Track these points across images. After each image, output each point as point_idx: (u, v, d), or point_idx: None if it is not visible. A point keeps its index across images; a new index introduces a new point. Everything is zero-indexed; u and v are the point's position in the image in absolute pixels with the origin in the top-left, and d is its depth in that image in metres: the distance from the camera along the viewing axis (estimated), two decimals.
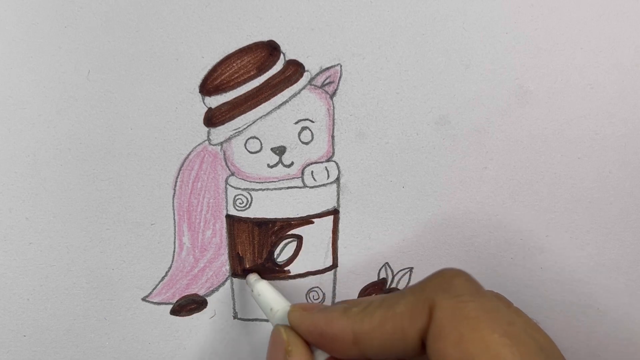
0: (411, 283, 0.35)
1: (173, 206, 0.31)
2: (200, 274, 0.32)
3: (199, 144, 0.30)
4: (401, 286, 0.35)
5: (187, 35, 0.29)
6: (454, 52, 0.30)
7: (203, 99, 0.30)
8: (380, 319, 0.23)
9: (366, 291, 0.34)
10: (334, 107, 0.31)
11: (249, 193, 0.31)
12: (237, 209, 0.31)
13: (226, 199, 0.31)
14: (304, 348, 0.25)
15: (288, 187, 0.32)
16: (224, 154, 0.31)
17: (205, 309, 0.32)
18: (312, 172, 0.32)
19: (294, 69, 0.30)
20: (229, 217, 0.32)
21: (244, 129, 0.31)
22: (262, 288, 0.30)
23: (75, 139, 0.30)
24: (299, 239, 0.32)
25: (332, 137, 0.31)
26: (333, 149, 0.31)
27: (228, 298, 0.33)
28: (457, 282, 0.22)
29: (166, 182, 0.31)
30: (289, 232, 0.32)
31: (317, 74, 0.30)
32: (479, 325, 0.21)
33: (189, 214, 0.31)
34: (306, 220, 0.32)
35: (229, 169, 0.31)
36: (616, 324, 0.36)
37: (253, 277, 0.31)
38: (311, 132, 0.31)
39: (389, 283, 0.35)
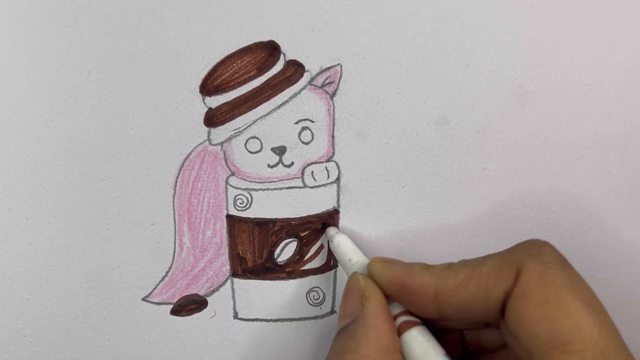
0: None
1: (173, 206, 0.31)
2: (200, 274, 0.32)
3: (199, 144, 0.30)
4: None
5: (187, 35, 0.29)
6: (454, 52, 0.30)
7: (203, 99, 0.30)
8: (464, 276, 0.23)
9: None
10: (334, 107, 0.31)
11: (249, 193, 0.31)
12: (237, 209, 0.31)
13: (226, 199, 0.31)
14: (381, 296, 0.25)
15: (288, 187, 0.32)
16: (224, 154, 0.31)
17: (205, 309, 0.32)
18: (312, 172, 0.32)
19: (294, 69, 0.30)
20: (229, 217, 0.32)
21: (244, 129, 0.31)
22: (342, 240, 0.30)
23: (75, 139, 0.30)
24: (299, 239, 0.32)
25: (332, 137, 0.31)
26: (333, 149, 0.31)
27: (228, 298, 0.33)
28: (545, 251, 0.23)
29: (166, 182, 0.31)
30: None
31: (317, 74, 0.30)
32: (564, 291, 0.21)
33: (189, 213, 0.31)
34: (307, 221, 0.32)
35: (229, 169, 0.31)
36: (616, 324, 0.36)
37: (333, 230, 0.31)
38: (311, 132, 0.31)
39: None
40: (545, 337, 0.21)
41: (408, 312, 0.25)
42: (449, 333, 0.26)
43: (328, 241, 0.31)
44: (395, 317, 0.25)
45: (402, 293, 0.24)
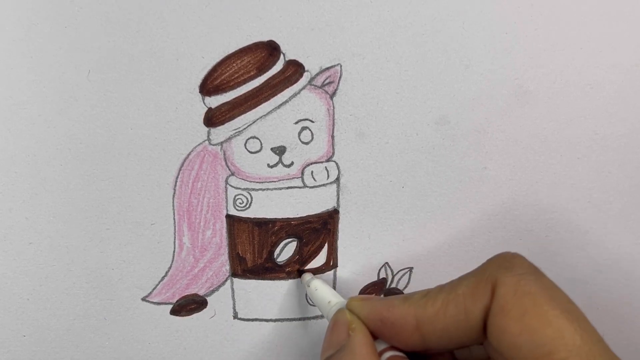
0: (410, 283, 0.35)
1: (173, 206, 0.31)
2: (200, 274, 0.32)
3: (199, 144, 0.30)
4: (401, 286, 0.35)
5: (187, 35, 0.29)
6: (454, 52, 0.30)
7: (203, 99, 0.30)
8: (442, 302, 0.23)
9: (366, 291, 0.34)
10: (334, 107, 0.31)
11: (249, 193, 0.31)
12: (237, 209, 0.31)
13: (226, 198, 0.31)
14: (366, 330, 0.25)
15: (288, 187, 0.32)
16: (224, 154, 0.31)
17: (205, 309, 0.32)
18: (312, 172, 0.32)
19: (294, 69, 0.30)
20: (229, 217, 0.32)
21: (244, 129, 0.31)
22: (319, 284, 0.31)
23: (75, 139, 0.30)
24: (299, 239, 0.33)
25: (332, 137, 0.31)
26: (333, 149, 0.31)
27: (228, 298, 0.33)
28: (517, 262, 0.23)
29: (166, 182, 0.31)
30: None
31: (317, 74, 0.30)
32: (541, 301, 0.21)
33: (189, 213, 0.31)
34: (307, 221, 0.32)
35: (229, 169, 0.31)
36: (616, 324, 0.36)
37: (308, 275, 0.32)
38: (311, 132, 0.31)
39: (388, 283, 0.35)
40: (528, 349, 0.21)
41: (393, 348, 0.25)
42: (439, 354, 0.26)
43: (305, 287, 0.32)
44: (380, 354, 0.25)
45: (383, 327, 0.24)
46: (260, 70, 0.30)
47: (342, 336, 0.25)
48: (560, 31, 0.30)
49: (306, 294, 0.33)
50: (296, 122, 0.31)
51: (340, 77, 0.30)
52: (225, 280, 0.32)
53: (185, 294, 0.32)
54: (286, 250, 0.33)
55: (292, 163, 0.31)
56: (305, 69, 0.30)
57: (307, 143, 0.31)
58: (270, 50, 0.30)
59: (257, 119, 0.31)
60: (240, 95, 0.30)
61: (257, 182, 0.31)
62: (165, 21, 0.29)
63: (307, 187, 0.32)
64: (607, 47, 0.31)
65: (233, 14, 0.29)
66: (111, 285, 0.31)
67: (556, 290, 0.22)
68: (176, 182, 0.31)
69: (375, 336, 0.25)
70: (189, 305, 0.32)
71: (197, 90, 0.30)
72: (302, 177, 0.32)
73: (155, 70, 0.30)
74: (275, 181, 0.31)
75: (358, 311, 0.25)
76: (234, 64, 0.30)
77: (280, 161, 0.31)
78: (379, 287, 0.35)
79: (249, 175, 0.31)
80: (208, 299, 0.32)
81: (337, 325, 0.25)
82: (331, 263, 0.34)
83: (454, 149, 0.32)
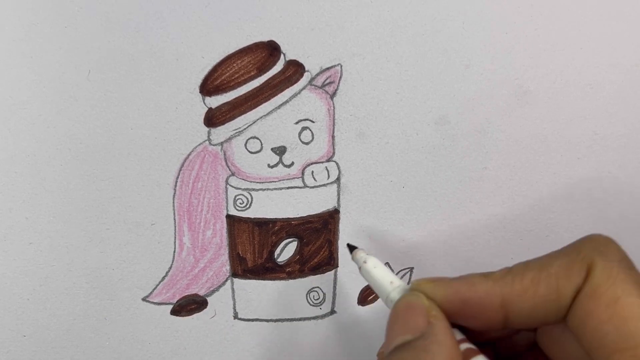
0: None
1: (173, 206, 0.31)
2: (200, 274, 0.32)
3: (199, 144, 0.30)
4: None
5: (187, 35, 0.29)
6: (454, 52, 0.30)
7: (203, 99, 0.30)
8: (532, 280, 0.22)
9: (366, 291, 0.34)
10: (334, 107, 0.31)
11: (249, 193, 0.31)
12: (237, 209, 0.31)
13: (226, 199, 0.31)
14: (445, 317, 0.23)
15: (288, 187, 0.32)
16: (224, 154, 0.31)
17: (205, 309, 0.32)
18: (312, 172, 0.32)
19: (294, 69, 0.30)
20: (229, 217, 0.32)
21: (244, 129, 0.31)
22: (377, 262, 0.28)
23: (75, 139, 0.30)
24: (300, 239, 0.33)
25: (333, 137, 0.31)
26: (333, 149, 0.31)
27: (228, 298, 0.33)
28: (613, 248, 0.22)
29: (166, 182, 0.31)
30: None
31: (318, 74, 0.30)
32: (635, 292, 0.20)
33: (189, 214, 0.31)
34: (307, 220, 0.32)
35: (229, 169, 0.31)
36: None
37: (362, 252, 0.29)
38: (311, 132, 0.31)
39: None
40: (614, 338, 0.20)
41: (467, 340, 0.24)
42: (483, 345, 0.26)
43: (358, 264, 0.29)
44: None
45: (464, 309, 0.23)
46: (261, 71, 0.30)
47: (420, 322, 0.23)
48: (560, 31, 0.30)
49: (307, 294, 0.33)
50: (296, 122, 0.31)
51: (340, 77, 0.30)
52: (226, 281, 0.32)
53: (186, 294, 0.32)
54: (287, 250, 0.33)
55: (293, 163, 0.31)
56: (306, 69, 0.30)
57: (307, 143, 0.31)
58: (271, 50, 0.30)
59: (258, 119, 0.31)
60: (241, 96, 0.30)
61: (257, 182, 0.31)
62: (165, 21, 0.29)
63: (308, 187, 0.32)
64: (607, 47, 0.31)
65: (233, 14, 0.29)
66: (111, 285, 0.31)
67: None
68: (176, 182, 0.31)
69: (450, 320, 0.24)
70: (189, 305, 0.32)
71: (198, 90, 0.30)
72: (302, 177, 0.32)
73: (155, 70, 0.30)
74: (275, 181, 0.31)
75: (432, 294, 0.24)
76: (234, 64, 0.30)
77: (280, 161, 0.31)
78: None
79: (249, 175, 0.31)
80: (208, 299, 0.32)
81: (412, 309, 0.23)
82: (331, 263, 0.34)
83: (454, 149, 0.32)
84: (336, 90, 0.30)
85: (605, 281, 0.21)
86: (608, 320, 0.20)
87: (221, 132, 0.31)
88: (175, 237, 0.31)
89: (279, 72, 0.30)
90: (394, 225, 0.33)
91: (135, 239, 0.31)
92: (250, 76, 0.30)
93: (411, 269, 0.34)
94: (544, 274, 0.22)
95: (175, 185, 0.31)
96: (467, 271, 0.24)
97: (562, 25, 0.30)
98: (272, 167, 0.31)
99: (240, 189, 0.31)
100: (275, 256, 0.33)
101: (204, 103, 0.30)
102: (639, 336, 0.20)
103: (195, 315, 0.32)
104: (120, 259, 0.31)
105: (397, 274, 0.34)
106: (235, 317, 0.33)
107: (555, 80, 0.31)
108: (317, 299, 0.34)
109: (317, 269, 0.33)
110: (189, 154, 0.30)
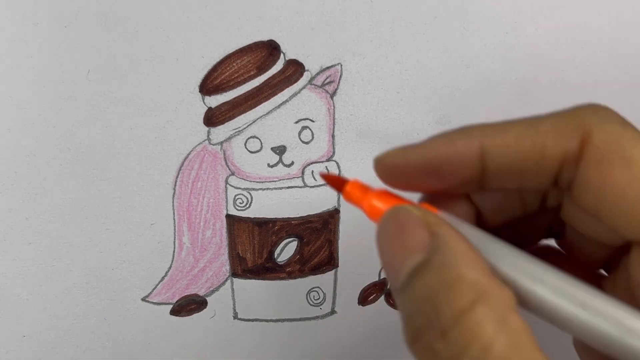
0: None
1: (173, 206, 0.31)
2: (200, 274, 0.32)
3: (199, 144, 0.30)
4: None
5: (187, 35, 0.29)
6: (454, 52, 0.30)
7: (203, 99, 0.30)
8: (516, 134, 0.19)
9: (366, 291, 0.34)
10: (334, 106, 0.31)
11: (249, 193, 0.31)
12: (237, 209, 0.31)
13: (226, 198, 0.31)
14: (438, 216, 0.20)
15: (288, 187, 0.32)
16: (224, 154, 0.31)
17: (205, 309, 0.32)
18: (312, 171, 0.32)
19: (294, 69, 0.30)
20: (229, 217, 0.32)
21: (244, 128, 0.31)
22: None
23: (75, 139, 0.30)
24: (300, 238, 0.32)
25: (333, 136, 0.31)
26: (333, 148, 0.31)
27: (228, 298, 0.33)
28: (612, 113, 0.19)
29: (166, 182, 0.31)
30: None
31: (318, 74, 0.30)
32: None
33: (189, 213, 0.31)
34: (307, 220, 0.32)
35: (229, 169, 0.31)
36: None
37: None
38: (311, 131, 0.31)
39: (389, 283, 0.35)
40: (636, 201, 0.18)
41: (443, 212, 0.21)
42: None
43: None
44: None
45: (435, 171, 0.20)
46: (260, 70, 0.30)
47: (423, 237, 0.19)
48: (560, 31, 0.30)
49: (307, 294, 0.33)
50: (296, 122, 0.31)
51: (340, 77, 0.30)
52: (226, 280, 0.32)
53: (185, 294, 0.32)
54: (286, 250, 0.33)
55: (293, 163, 0.31)
56: (306, 68, 0.30)
57: (307, 143, 0.31)
58: (270, 49, 0.30)
59: (257, 119, 0.31)
60: (240, 95, 0.30)
61: (257, 182, 0.31)
62: (165, 21, 0.29)
63: (308, 186, 0.32)
64: (607, 47, 0.31)
65: (233, 14, 0.29)
66: (111, 285, 0.31)
67: None
68: (176, 181, 0.31)
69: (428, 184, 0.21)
70: (189, 305, 0.32)
71: (197, 89, 0.30)
72: (302, 177, 0.32)
73: (155, 70, 0.30)
74: (275, 181, 0.31)
75: (401, 159, 0.21)
76: (234, 64, 0.30)
77: (280, 161, 0.31)
78: (379, 288, 0.35)
79: (249, 175, 0.31)
80: (208, 299, 0.32)
81: (406, 226, 0.20)
82: (331, 263, 0.34)
83: None
84: (336, 89, 0.30)
85: (615, 142, 0.18)
86: (628, 183, 0.18)
87: (221, 132, 0.31)
88: (174, 237, 0.31)
89: (279, 71, 0.30)
90: None
91: (134, 239, 0.31)
92: (250, 76, 0.30)
93: None
94: (532, 131, 0.19)
95: (175, 185, 0.31)
96: None
97: (562, 25, 0.30)
98: (272, 166, 0.31)
99: (240, 188, 0.31)
100: (275, 256, 0.33)
101: (204, 102, 0.30)
102: None
103: (195, 316, 0.32)
104: (120, 259, 0.31)
105: None
106: (235, 317, 0.33)
107: (555, 80, 0.31)
108: (317, 299, 0.34)
109: (317, 269, 0.33)
110: (189, 154, 0.30)
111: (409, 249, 0.20)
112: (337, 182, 0.23)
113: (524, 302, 0.19)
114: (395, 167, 0.21)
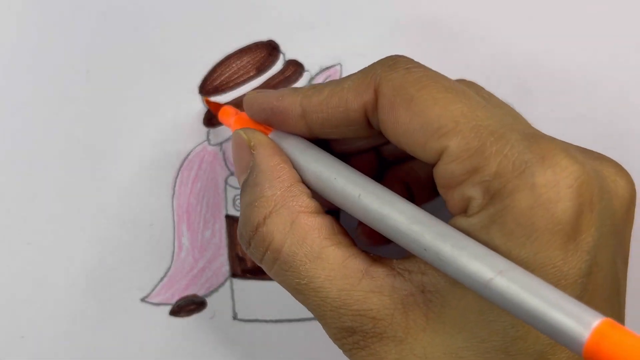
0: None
1: (172, 206, 0.31)
2: (199, 275, 0.32)
3: (198, 144, 0.30)
4: None
5: (187, 35, 0.29)
6: (454, 51, 0.30)
7: (203, 99, 0.30)
8: (328, 93, 0.23)
9: None
10: None
11: None
12: (236, 209, 0.31)
13: (226, 199, 0.31)
14: (266, 138, 0.25)
15: None
16: (224, 154, 0.31)
17: (204, 310, 0.32)
18: None
19: (294, 69, 0.30)
20: (228, 218, 0.32)
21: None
22: None
23: (73, 139, 0.30)
24: None
25: None
26: None
27: (228, 299, 0.33)
28: (402, 59, 0.23)
29: (165, 182, 0.31)
30: None
31: (317, 74, 0.30)
32: (426, 85, 0.21)
33: (189, 214, 0.31)
34: None
35: (229, 169, 0.31)
36: None
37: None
38: None
39: None
40: (420, 132, 0.21)
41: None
42: (364, 153, 0.27)
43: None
44: None
45: (272, 116, 0.25)
46: (260, 71, 0.30)
47: (247, 158, 0.25)
48: (560, 31, 0.30)
49: None
50: None
51: (340, 77, 0.30)
52: (225, 281, 0.32)
53: (185, 294, 0.32)
54: None
55: None
56: (305, 68, 0.30)
57: None
58: (270, 50, 0.30)
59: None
60: (240, 96, 0.30)
61: None
62: (165, 21, 0.29)
63: None
64: (607, 47, 0.31)
65: (233, 14, 0.29)
66: (110, 286, 0.31)
67: (441, 76, 0.22)
68: (175, 182, 0.31)
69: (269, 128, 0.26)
70: (188, 306, 0.32)
71: (197, 90, 0.30)
72: None
73: (155, 71, 0.30)
74: None
75: (250, 104, 0.26)
76: (234, 64, 0.30)
77: None
78: None
79: None
80: (207, 299, 0.32)
81: (238, 148, 0.25)
82: None
83: None
84: None
85: (398, 88, 0.21)
86: (409, 120, 0.21)
87: (220, 132, 0.31)
88: (174, 238, 0.31)
89: (279, 72, 0.30)
90: None
91: (133, 239, 0.31)
92: (249, 76, 0.30)
93: None
94: (338, 89, 0.23)
95: (174, 186, 0.31)
96: None
97: (562, 25, 0.30)
98: None
99: (239, 188, 0.31)
100: None
101: (203, 103, 0.30)
102: (437, 119, 0.21)
103: (194, 316, 0.32)
104: (119, 260, 0.31)
105: None
106: (235, 317, 0.33)
107: (555, 80, 0.31)
108: None
109: None
110: (188, 154, 0.30)
111: (239, 168, 0.26)
112: (215, 107, 0.29)
113: (328, 196, 0.24)
114: (249, 106, 0.26)
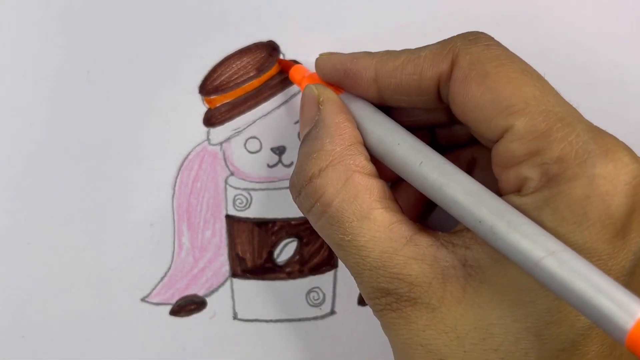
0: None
1: (172, 206, 0.31)
2: (199, 274, 0.32)
3: (198, 144, 0.30)
4: None
5: (187, 36, 0.29)
6: None
7: (202, 99, 0.30)
8: (403, 60, 0.24)
9: None
10: None
11: (248, 193, 0.31)
12: (236, 209, 0.31)
13: (226, 199, 0.31)
14: (335, 96, 0.25)
15: (288, 187, 0.32)
16: (224, 154, 0.31)
17: (204, 310, 0.32)
18: None
19: None
20: (228, 217, 0.32)
21: (244, 129, 0.31)
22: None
23: (74, 139, 0.30)
24: (299, 239, 0.32)
25: None
26: None
27: (228, 298, 0.33)
28: (482, 36, 0.23)
29: (165, 182, 0.31)
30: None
31: None
32: (502, 62, 0.22)
33: (189, 214, 0.31)
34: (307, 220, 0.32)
35: (229, 169, 0.31)
36: None
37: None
38: None
39: None
40: (490, 107, 0.21)
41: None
42: (418, 130, 0.27)
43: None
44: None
45: (345, 78, 0.25)
46: (260, 71, 0.30)
47: (314, 112, 0.25)
48: (560, 31, 0.30)
49: (307, 294, 0.33)
50: (296, 122, 0.31)
51: None
52: (225, 281, 0.32)
53: (185, 294, 0.32)
54: (286, 251, 0.33)
55: (292, 163, 0.31)
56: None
57: None
58: (270, 50, 0.30)
59: (257, 119, 0.31)
60: (240, 96, 0.30)
61: (256, 182, 0.31)
62: (165, 21, 0.29)
63: None
64: (607, 47, 0.31)
65: (232, 14, 0.29)
66: (110, 285, 0.31)
67: (517, 57, 0.22)
68: (175, 182, 0.31)
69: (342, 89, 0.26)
70: (188, 305, 0.32)
71: (197, 90, 0.30)
72: None
73: (155, 71, 0.30)
74: (275, 181, 0.31)
75: (324, 65, 0.26)
76: (234, 65, 0.30)
77: (280, 161, 0.31)
78: None
79: (248, 175, 0.31)
80: (207, 299, 0.32)
81: (307, 102, 0.26)
82: (331, 263, 0.33)
83: None
84: None
85: (474, 62, 0.22)
86: (481, 94, 0.21)
87: (220, 132, 0.31)
88: (174, 237, 0.31)
89: (278, 72, 0.30)
90: None
91: (134, 239, 0.31)
92: (249, 76, 0.30)
93: None
94: (414, 56, 0.24)
95: (175, 186, 0.31)
96: None
97: (562, 25, 0.30)
98: (271, 167, 0.31)
99: (239, 188, 0.31)
100: (275, 256, 0.33)
101: (203, 103, 0.30)
102: (508, 98, 0.21)
103: (194, 316, 0.32)
104: (119, 260, 0.31)
105: None
106: (235, 317, 0.33)
107: (555, 80, 0.31)
108: (317, 300, 0.34)
109: (316, 269, 0.33)
110: (188, 154, 0.30)
111: (304, 120, 0.26)
112: (286, 65, 0.30)
113: (388, 162, 0.24)
114: (322, 67, 0.27)
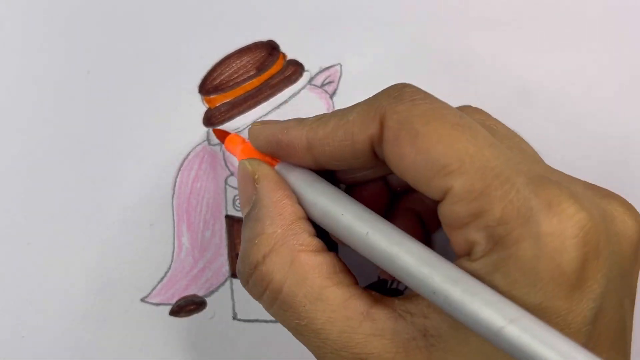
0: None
1: (172, 206, 0.31)
2: (199, 275, 0.32)
3: (198, 144, 0.30)
4: (401, 287, 0.35)
5: (187, 35, 0.29)
6: (454, 52, 0.30)
7: (202, 99, 0.30)
8: (333, 126, 0.23)
9: None
10: (333, 107, 0.31)
11: None
12: (236, 209, 0.31)
13: (225, 199, 0.31)
14: (272, 171, 0.25)
15: None
16: (224, 154, 0.31)
17: (204, 310, 0.32)
18: None
19: (294, 69, 0.30)
20: (228, 218, 0.32)
21: (244, 128, 0.31)
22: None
23: (74, 139, 0.30)
24: None
25: None
26: None
27: (227, 299, 0.33)
28: (408, 90, 0.22)
29: (165, 182, 0.31)
30: None
31: (317, 74, 0.30)
32: (432, 120, 0.21)
33: (188, 214, 0.31)
34: None
35: (229, 169, 0.31)
36: None
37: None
38: None
39: (389, 283, 0.35)
40: (425, 169, 0.20)
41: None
42: (373, 182, 0.27)
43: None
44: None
45: (278, 150, 0.25)
46: (260, 70, 0.30)
47: (250, 191, 0.24)
48: (560, 31, 0.30)
49: None
50: None
51: (340, 77, 0.30)
52: (225, 281, 0.32)
53: (185, 294, 0.32)
54: None
55: None
56: (305, 68, 0.30)
57: None
58: (270, 50, 0.30)
59: (257, 119, 0.31)
60: (240, 95, 0.30)
61: None
62: (165, 21, 0.29)
63: None
64: (607, 47, 0.31)
65: (233, 13, 0.29)
66: (110, 285, 0.31)
67: (448, 109, 0.21)
68: (175, 182, 0.31)
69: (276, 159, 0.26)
70: (188, 306, 0.32)
71: (197, 90, 0.30)
72: None
73: (155, 70, 0.30)
74: None
75: (256, 136, 0.26)
76: (234, 64, 0.30)
77: None
78: (379, 288, 0.34)
79: None
80: (207, 299, 0.32)
81: (242, 180, 0.25)
82: None
83: None
84: (336, 89, 0.30)
85: (403, 121, 0.21)
86: (414, 157, 0.21)
87: None
88: (174, 238, 0.31)
89: (278, 71, 0.30)
90: None
91: (133, 239, 0.31)
92: (249, 76, 0.30)
93: None
94: (343, 121, 0.23)
95: (174, 186, 0.31)
96: None
97: (563, 25, 0.30)
98: None
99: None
100: None
101: (203, 103, 0.30)
102: (442, 157, 0.20)
103: (194, 316, 0.32)
104: (119, 260, 0.31)
105: None
106: (235, 317, 0.33)
107: (555, 80, 0.31)
108: None
109: None
110: (188, 154, 0.30)
111: (243, 200, 0.25)
112: (221, 135, 0.29)
113: (334, 233, 0.23)
114: (255, 138, 0.26)
